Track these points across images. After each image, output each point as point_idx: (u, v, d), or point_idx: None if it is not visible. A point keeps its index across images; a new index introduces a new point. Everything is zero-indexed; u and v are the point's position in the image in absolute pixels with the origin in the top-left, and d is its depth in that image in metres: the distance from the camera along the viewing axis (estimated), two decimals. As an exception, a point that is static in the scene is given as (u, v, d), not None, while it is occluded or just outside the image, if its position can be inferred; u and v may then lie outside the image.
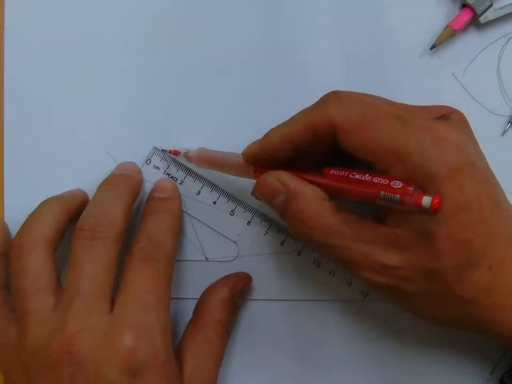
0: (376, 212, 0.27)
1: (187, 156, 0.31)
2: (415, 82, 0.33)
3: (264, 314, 0.32)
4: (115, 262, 0.27)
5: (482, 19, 0.33)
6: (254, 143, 0.29)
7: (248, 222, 0.32)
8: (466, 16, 0.33)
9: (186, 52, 0.33)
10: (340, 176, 0.26)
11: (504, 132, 0.33)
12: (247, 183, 0.32)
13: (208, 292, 0.31)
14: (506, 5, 0.33)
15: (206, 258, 0.32)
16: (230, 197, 0.32)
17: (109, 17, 0.33)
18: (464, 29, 0.33)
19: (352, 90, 0.27)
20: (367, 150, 0.25)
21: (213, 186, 0.32)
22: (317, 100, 0.27)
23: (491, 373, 0.32)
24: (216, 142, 0.33)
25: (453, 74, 0.33)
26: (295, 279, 0.32)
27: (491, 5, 0.33)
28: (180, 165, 0.32)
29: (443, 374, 0.32)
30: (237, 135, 0.33)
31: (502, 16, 0.33)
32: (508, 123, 0.33)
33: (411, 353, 0.32)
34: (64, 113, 0.33)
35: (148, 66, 0.33)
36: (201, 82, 0.33)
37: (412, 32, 0.33)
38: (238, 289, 0.31)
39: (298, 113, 0.28)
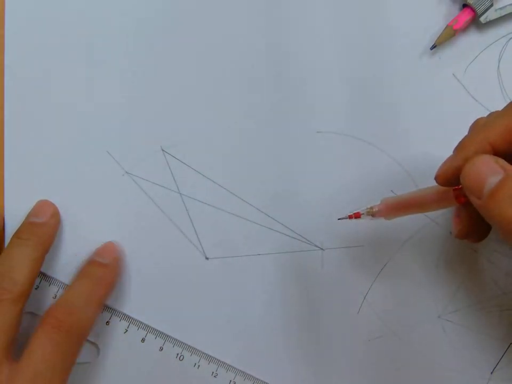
0: None
1: (372, 213, 0.28)
2: (415, 83, 0.33)
3: (263, 314, 0.32)
4: (12, 324, 0.28)
5: (482, 19, 0.33)
6: (445, 162, 0.26)
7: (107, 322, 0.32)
8: (467, 16, 0.33)
9: (187, 52, 0.33)
10: None
11: (505, 132, 0.33)
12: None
13: None
14: (506, 5, 0.33)
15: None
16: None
17: (111, 15, 0.33)
18: (465, 29, 0.33)
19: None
20: None
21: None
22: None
23: (491, 373, 0.32)
24: (217, 141, 0.33)
25: (453, 74, 0.33)
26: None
27: (491, 5, 0.32)
28: None
29: (443, 374, 0.32)
30: (239, 134, 0.33)
31: (503, 16, 0.33)
32: (508, 123, 0.33)
33: (411, 353, 0.32)
34: (65, 113, 0.33)
35: (148, 66, 0.33)
36: (202, 81, 0.33)
37: (412, 32, 0.33)
38: None
39: (491, 116, 0.26)
